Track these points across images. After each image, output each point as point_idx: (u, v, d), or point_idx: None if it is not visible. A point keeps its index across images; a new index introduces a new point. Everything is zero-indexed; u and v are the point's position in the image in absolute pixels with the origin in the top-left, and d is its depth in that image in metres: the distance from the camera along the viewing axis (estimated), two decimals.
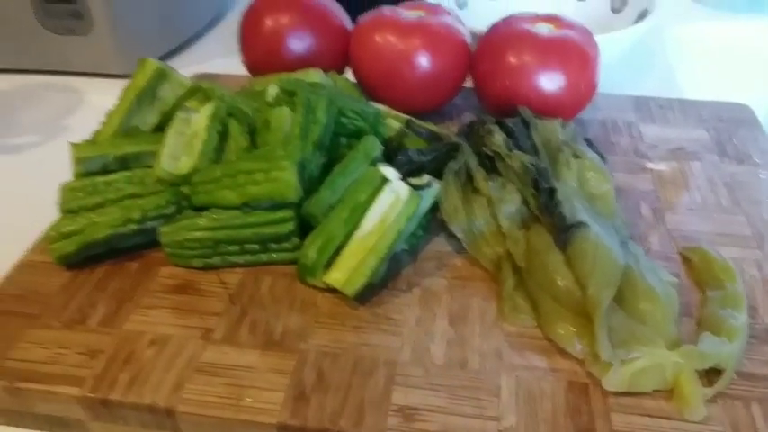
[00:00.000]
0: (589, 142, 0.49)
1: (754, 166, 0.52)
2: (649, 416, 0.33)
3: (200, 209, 0.45)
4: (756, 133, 0.55)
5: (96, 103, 0.71)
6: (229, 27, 0.87)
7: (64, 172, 0.51)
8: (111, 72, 0.74)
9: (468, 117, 0.60)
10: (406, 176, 0.45)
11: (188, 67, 0.76)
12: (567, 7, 0.78)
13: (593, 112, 0.56)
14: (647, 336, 0.34)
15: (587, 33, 0.54)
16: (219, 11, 0.90)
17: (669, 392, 0.34)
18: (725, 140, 0.54)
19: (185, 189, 0.46)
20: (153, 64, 0.51)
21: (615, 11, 0.75)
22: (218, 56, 0.80)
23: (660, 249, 0.44)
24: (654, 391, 0.34)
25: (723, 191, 0.49)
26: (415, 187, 0.43)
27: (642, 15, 0.70)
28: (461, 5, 0.77)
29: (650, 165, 0.52)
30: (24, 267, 0.45)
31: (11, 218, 0.54)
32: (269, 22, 0.59)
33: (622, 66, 0.70)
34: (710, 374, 0.35)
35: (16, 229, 0.52)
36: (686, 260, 0.43)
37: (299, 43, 0.59)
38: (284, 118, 0.48)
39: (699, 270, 0.41)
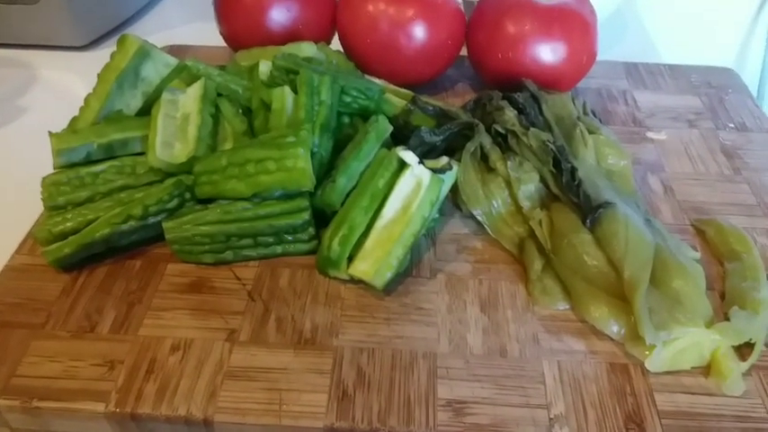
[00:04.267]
0: (594, 114, 0.49)
1: (747, 131, 0.53)
2: (691, 393, 0.34)
3: (204, 200, 0.43)
4: (744, 98, 0.57)
5: (50, 78, 0.66)
6: None
7: (27, 157, 0.47)
8: (64, 44, 0.69)
9: (462, 88, 0.58)
10: (420, 158, 0.43)
11: (149, 35, 0.70)
12: None
13: (587, 81, 0.56)
14: (687, 316, 0.35)
15: (585, 1, 0.53)
16: None
17: (706, 368, 0.35)
18: (717, 106, 0.55)
19: (186, 179, 0.43)
20: (134, 42, 0.47)
21: None
22: (179, 23, 0.75)
23: (674, 222, 0.44)
24: (691, 367, 0.35)
25: (723, 159, 0.50)
26: (435, 170, 0.42)
27: None
28: None
29: (651, 134, 0.52)
30: (15, 272, 0.41)
31: None
32: None
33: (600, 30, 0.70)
34: (742, 348, 0.36)
35: None
36: (700, 232, 0.44)
37: (282, 13, 0.55)
38: (285, 99, 0.45)
39: (714, 242, 0.42)
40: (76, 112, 0.48)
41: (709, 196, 0.46)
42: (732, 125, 0.53)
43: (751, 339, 0.36)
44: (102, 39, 0.71)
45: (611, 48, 0.68)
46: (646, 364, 0.35)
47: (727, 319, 0.37)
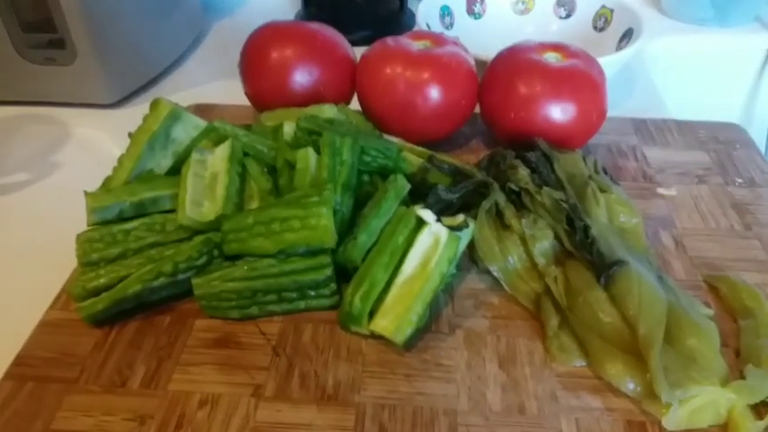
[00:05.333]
0: (605, 171, 0.51)
1: (756, 187, 0.54)
2: None
3: (231, 257, 0.44)
4: (752, 153, 0.58)
5: (84, 135, 0.69)
6: (210, 48, 0.86)
7: (60, 213, 0.49)
8: (97, 102, 0.72)
9: (476, 144, 0.60)
10: (437, 215, 0.45)
11: (175, 93, 0.75)
12: (550, 27, 0.80)
13: (597, 137, 0.57)
14: (702, 374, 0.36)
15: (594, 61, 0.56)
16: (199, 32, 0.88)
17: (723, 426, 0.36)
18: (725, 162, 0.57)
19: (215, 237, 0.45)
20: (166, 106, 0.50)
21: (598, 29, 0.78)
22: (205, 80, 0.78)
23: (686, 278, 0.45)
24: (708, 426, 0.36)
25: (733, 214, 0.51)
26: (452, 228, 0.43)
27: (626, 34, 0.72)
28: (448, 26, 0.78)
29: (661, 190, 0.54)
30: (49, 326, 0.43)
31: (8, 264, 0.52)
32: (274, 55, 0.58)
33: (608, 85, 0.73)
34: (758, 406, 0.37)
35: (16, 277, 0.50)
36: (713, 288, 0.45)
37: (305, 76, 0.58)
38: (309, 159, 0.47)
39: (727, 299, 0.43)
40: (107, 168, 0.50)
41: (721, 252, 0.48)
42: (741, 180, 0.55)
43: (767, 398, 0.36)
44: (131, 96, 0.74)
45: (619, 102, 0.70)
46: (663, 423, 0.36)
47: (743, 376, 0.37)
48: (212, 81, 0.78)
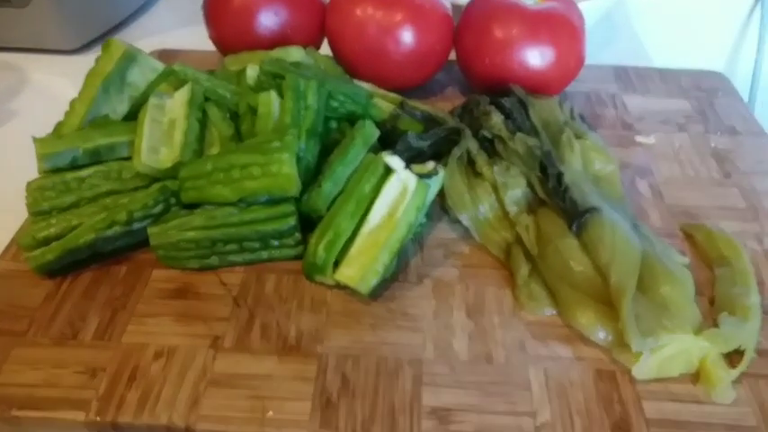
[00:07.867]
0: (582, 118, 0.49)
1: (737, 135, 0.53)
2: (679, 401, 0.34)
3: (189, 206, 0.42)
4: (735, 101, 0.56)
5: (41, 81, 0.66)
6: None
7: (18, 164, 0.47)
8: (54, 47, 0.68)
9: (451, 92, 0.58)
10: (407, 163, 0.43)
11: (141, 40, 0.71)
12: None
13: (576, 85, 0.55)
14: (675, 322, 0.35)
15: (573, 4, 0.53)
16: None
17: (695, 375, 0.35)
18: (707, 110, 0.55)
19: (171, 184, 0.42)
20: (120, 46, 0.47)
21: None
22: (172, 27, 0.75)
23: (662, 227, 0.44)
24: (680, 374, 0.35)
25: (713, 163, 0.50)
26: (421, 175, 0.42)
27: None
28: None
29: (640, 138, 0.52)
30: None
31: None
32: None
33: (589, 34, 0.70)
34: (731, 355, 0.36)
35: None
36: (689, 237, 0.43)
37: (271, 17, 0.55)
38: (272, 104, 0.45)
39: (703, 247, 0.42)
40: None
41: (699, 200, 0.46)
42: (722, 129, 0.53)
43: (741, 346, 0.35)
44: (93, 43, 0.71)
45: (601, 52, 0.68)
46: (633, 372, 0.35)
47: (717, 325, 0.36)
48: (180, 27, 0.74)
